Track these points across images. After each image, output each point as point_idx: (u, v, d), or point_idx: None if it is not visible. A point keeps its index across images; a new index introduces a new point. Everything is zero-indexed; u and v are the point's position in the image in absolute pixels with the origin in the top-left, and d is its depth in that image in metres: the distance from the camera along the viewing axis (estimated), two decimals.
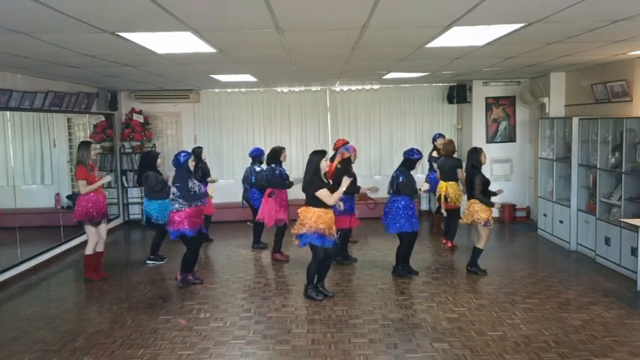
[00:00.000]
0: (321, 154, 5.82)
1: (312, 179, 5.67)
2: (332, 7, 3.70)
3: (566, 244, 7.99)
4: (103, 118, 9.93)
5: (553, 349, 4.53)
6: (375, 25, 4.31)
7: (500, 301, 5.76)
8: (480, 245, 6.65)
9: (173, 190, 6.24)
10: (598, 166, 7.12)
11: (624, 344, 4.61)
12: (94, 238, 6.74)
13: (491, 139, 10.16)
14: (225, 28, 4.38)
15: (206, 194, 6.46)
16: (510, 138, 10.22)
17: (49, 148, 8.45)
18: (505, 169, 10.19)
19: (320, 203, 5.65)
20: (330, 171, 6.98)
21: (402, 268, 6.71)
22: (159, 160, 7.57)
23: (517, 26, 4.50)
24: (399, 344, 4.68)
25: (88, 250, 6.76)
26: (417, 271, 6.75)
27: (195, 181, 6.38)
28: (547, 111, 8.97)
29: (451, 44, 5.34)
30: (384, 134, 10.97)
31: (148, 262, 7.65)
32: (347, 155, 6.78)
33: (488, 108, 10.17)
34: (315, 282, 5.96)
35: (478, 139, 10.09)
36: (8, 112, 7.13)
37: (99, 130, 9.86)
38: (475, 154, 6.66)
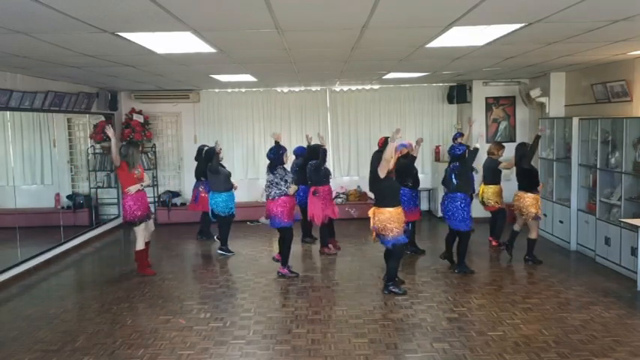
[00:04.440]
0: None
1: (376, 175, 5.82)
2: (332, 7, 3.70)
3: (566, 244, 7.99)
4: (103, 118, 9.92)
5: (553, 349, 4.53)
6: (375, 25, 4.31)
7: (500, 301, 5.76)
8: (533, 236, 7.10)
9: (269, 177, 6.63)
10: (598, 166, 7.12)
11: (624, 344, 4.61)
12: (144, 234, 6.93)
13: (491, 139, 10.13)
14: (225, 28, 4.38)
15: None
16: (510, 138, 10.20)
17: (49, 148, 8.46)
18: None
19: (391, 202, 5.81)
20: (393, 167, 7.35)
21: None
22: (221, 155, 7.99)
23: (517, 26, 4.50)
24: (399, 344, 4.69)
25: (140, 246, 6.90)
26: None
27: (288, 172, 6.77)
28: (547, 111, 8.97)
29: (451, 44, 5.34)
30: (384, 134, 10.91)
31: (218, 251, 8.02)
32: (405, 151, 7.15)
33: (488, 108, 10.17)
34: (389, 281, 6.06)
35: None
36: (8, 112, 7.13)
37: (99, 130, 9.84)
38: (524, 147, 7.24)
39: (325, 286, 6.42)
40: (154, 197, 10.72)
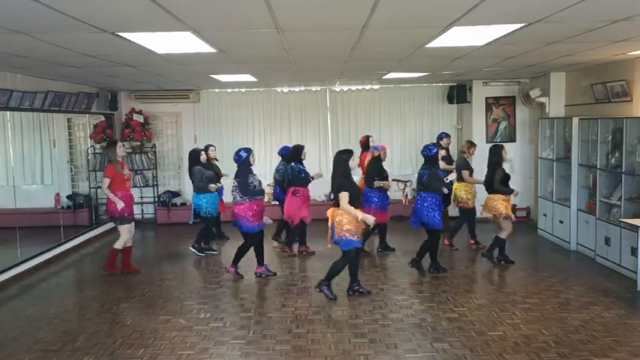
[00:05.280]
0: (349, 153, 5.89)
1: (343, 181, 5.68)
2: (332, 7, 3.70)
3: (566, 244, 7.99)
4: (103, 118, 9.93)
5: (553, 349, 4.53)
6: (375, 25, 4.31)
7: (500, 301, 5.76)
8: (503, 236, 7.01)
9: (234, 183, 6.56)
10: (598, 166, 7.12)
11: (624, 344, 4.61)
12: (128, 235, 6.95)
13: (491, 139, 10.14)
14: (225, 28, 4.38)
15: (263, 192, 6.72)
16: (510, 138, 10.21)
17: (49, 148, 8.46)
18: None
19: (353, 205, 5.66)
20: (362, 167, 7.67)
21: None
22: (202, 156, 7.91)
23: (517, 26, 4.50)
24: (399, 344, 4.68)
25: (119, 245, 6.94)
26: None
27: (256, 177, 6.65)
28: (547, 111, 8.97)
29: (451, 44, 5.34)
30: (384, 134, 10.95)
31: (206, 252, 8.02)
32: (377, 154, 7.29)
33: (488, 108, 10.17)
34: (351, 283, 6.01)
35: (478, 139, 10.04)
36: (8, 112, 7.13)
37: (99, 130, 9.86)
38: (497, 150, 7.06)
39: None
40: (154, 197, 10.74)
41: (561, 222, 8.14)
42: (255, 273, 6.80)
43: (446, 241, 8.08)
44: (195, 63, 6.48)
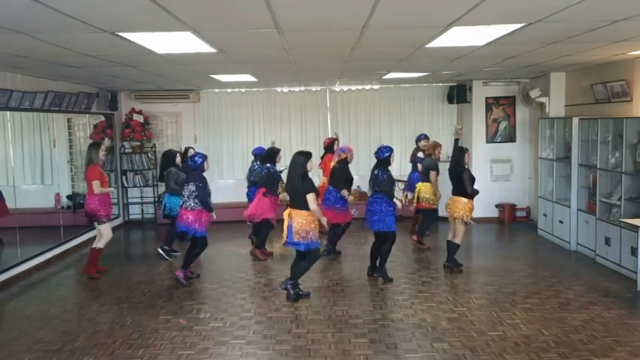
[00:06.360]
0: (307, 155, 5.83)
1: (302, 182, 5.64)
2: (332, 7, 3.70)
3: (566, 244, 7.99)
4: (103, 118, 9.93)
5: (553, 349, 4.53)
6: (375, 25, 4.32)
7: (500, 301, 5.76)
8: (457, 241, 6.80)
9: (191, 188, 6.37)
10: (598, 166, 7.12)
11: (624, 344, 4.61)
12: (110, 234, 7.02)
13: (491, 139, 10.16)
14: (225, 28, 4.38)
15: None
16: (510, 138, 10.22)
17: (49, 148, 8.45)
18: (505, 169, 10.19)
19: (307, 205, 5.65)
20: (327, 171, 7.51)
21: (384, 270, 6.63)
22: (178, 158, 7.90)
23: (517, 26, 4.50)
24: (399, 344, 4.69)
25: (102, 244, 6.96)
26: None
27: (206, 183, 6.53)
28: (547, 111, 8.97)
29: (451, 44, 5.34)
30: (384, 134, 10.97)
31: (159, 250, 7.98)
32: (344, 156, 7.28)
33: (488, 108, 10.17)
34: (292, 279, 5.93)
35: (478, 139, 10.09)
36: (8, 112, 7.12)
37: (99, 130, 9.86)
38: (460, 153, 6.82)
39: (325, 286, 6.42)
40: (154, 197, 10.73)
41: (561, 222, 8.14)
42: (177, 277, 6.66)
43: (414, 237, 8.19)
44: (195, 63, 6.48)
